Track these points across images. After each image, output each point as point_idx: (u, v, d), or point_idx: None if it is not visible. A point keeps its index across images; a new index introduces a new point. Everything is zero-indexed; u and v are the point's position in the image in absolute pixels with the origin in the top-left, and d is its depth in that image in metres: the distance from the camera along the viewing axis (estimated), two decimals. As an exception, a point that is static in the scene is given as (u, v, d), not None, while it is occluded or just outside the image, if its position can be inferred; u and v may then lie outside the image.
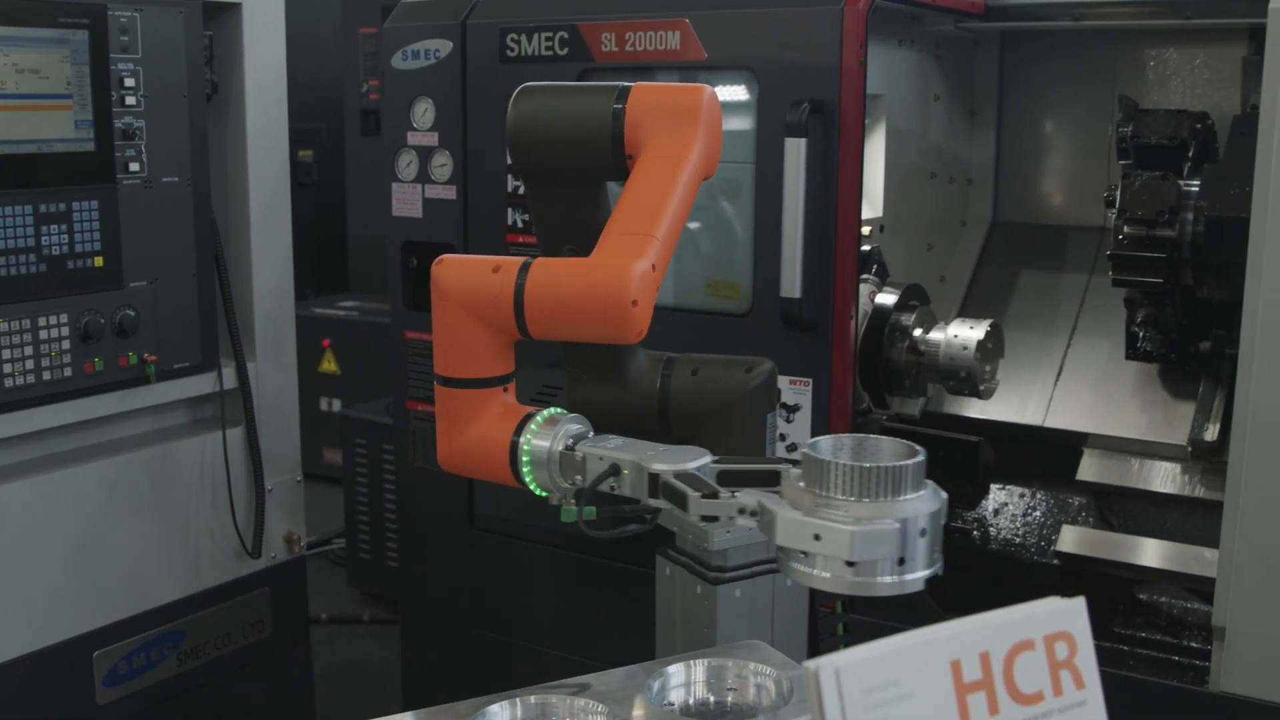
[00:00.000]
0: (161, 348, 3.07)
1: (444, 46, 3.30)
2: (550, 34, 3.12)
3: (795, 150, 2.75)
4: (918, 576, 1.55)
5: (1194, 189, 2.92)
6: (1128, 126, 3.05)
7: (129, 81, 2.94)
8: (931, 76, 3.50)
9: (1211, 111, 3.14)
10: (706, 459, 1.81)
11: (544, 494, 1.96)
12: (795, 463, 1.67)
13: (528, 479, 1.92)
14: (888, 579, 1.54)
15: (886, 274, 3.18)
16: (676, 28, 2.95)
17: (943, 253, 3.58)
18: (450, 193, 3.36)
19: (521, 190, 3.24)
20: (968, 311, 3.48)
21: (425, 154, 3.38)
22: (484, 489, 3.28)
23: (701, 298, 3.12)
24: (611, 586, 3.16)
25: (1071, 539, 3.14)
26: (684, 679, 1.91)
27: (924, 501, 1.55)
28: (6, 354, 2.75)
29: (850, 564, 1.52)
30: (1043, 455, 3.34)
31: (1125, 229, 2.95)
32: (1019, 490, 3.40)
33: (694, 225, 3.18)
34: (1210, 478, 3.04)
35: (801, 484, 1.59)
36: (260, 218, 3.38)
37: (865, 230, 3.11)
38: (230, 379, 3.29)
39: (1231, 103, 3.26)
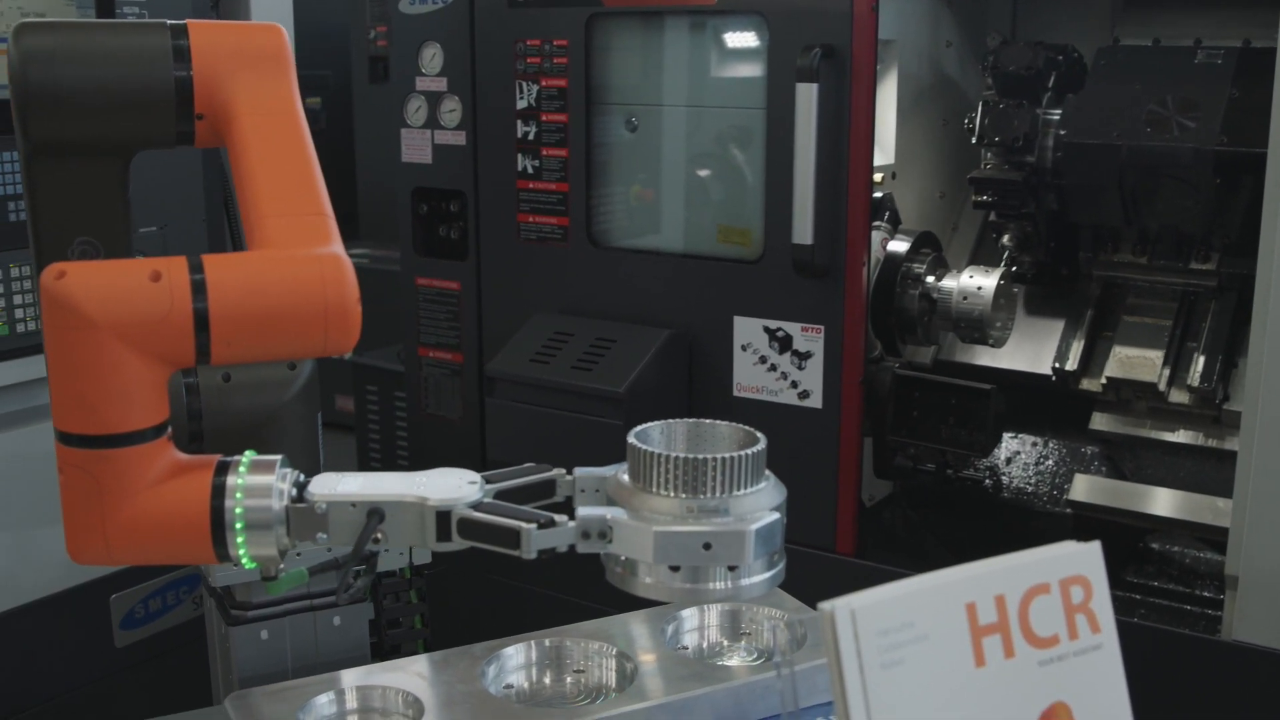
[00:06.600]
0: (171, 294, 3.04)
1: (452, -10, 3.28)
2: (561, -23, 3.10)
3: (807, 95, 2.73)
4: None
5: (1054, 117, 3.10)
6: (990, 58, 3.23)
7: (135, 26, 2.90)
8: (944, 22, 3.46)
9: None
10: (478, 478, 1.46)
11: (253, 566, 1.44)
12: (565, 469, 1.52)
13: (242, 553, 1.40)
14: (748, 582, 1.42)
15: (899, 221, 3.17)
16: (688, -29, 2.92)
17: (955, 201, 3.56)
18: (460, 138, 3.34)
19: (529, 134, 3.23)
20: (979, 260, 3.47)
21: (434, 99, 3.36)
22: (497, 434, 3.28)
23: (712, 244, 3.11)
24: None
25: (1084, 488, 3.13)
26: (698, 623, 1.93)
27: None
28: (17, 299, 2.75)
29: (733, 568, 1.39)
30: (1057, 405, 3.33)
31: (987, 155, 3.20)
32: (1031, 439, 3.40)
33: (704, 172, 3.17)
34: (1224, 429, 3.04)
35: (670, 492, 1.39)
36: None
37: (877, 177, 3.09)
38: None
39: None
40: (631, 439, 1.42)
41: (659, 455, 1.38)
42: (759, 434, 1.44)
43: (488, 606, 3.47)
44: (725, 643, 1.92)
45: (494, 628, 1.94)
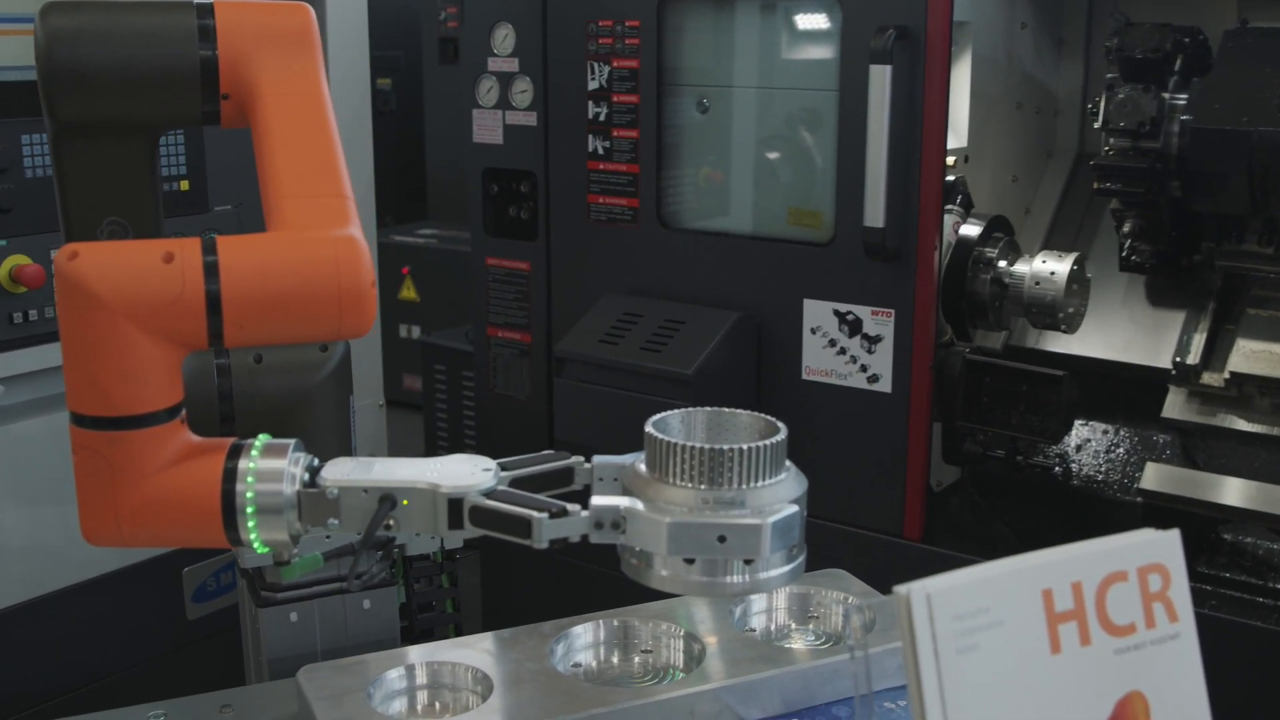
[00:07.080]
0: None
1: (525, -29, 3.28)
2: (633, -42, 3.10)
3: (880, 77, 2.71)
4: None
5: (1180, 102, 3.00)
6: (1113, 40, 3.11)
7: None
8: (1019, 4, 3.42)
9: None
10: (493, 465, 1.44)
11: (265, 550, 1.43)
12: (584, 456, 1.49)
13: (253, 537, 1.39)
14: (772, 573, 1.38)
15: (971, 205, 3.14)
16: (762, -48, 2.91)
17: (1028, 185, 3.52)
18: (531, 119, 3.35)
19: (600, 115, 3.23)
20: (1052, 245, 3.43)
21: (506, 80, 3.37)
22: (565, 414, 3.29)
23: (782, 226, 3.11)
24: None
25: (1155, 477, 3.09)
26: (766, 605, 1.92)
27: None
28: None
29: (749, 562, 1.35)
30: (1128, 392, 3.29)
31: (1110, 140, 3.08)
32: (1102, 427, 3.36)
33: (774, 154, 3.16)
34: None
35: (687, 483, 1.35)
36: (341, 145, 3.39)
37: (950, 160, 3.07)
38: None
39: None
40: (649, 428, 1.38)
41: (675, 445, 1.34)
42: (780, 424, 1.40)
43: (552, 585, 3.49)
44: (793, 625, 1.92)
45: (558, 606, 1.95)
